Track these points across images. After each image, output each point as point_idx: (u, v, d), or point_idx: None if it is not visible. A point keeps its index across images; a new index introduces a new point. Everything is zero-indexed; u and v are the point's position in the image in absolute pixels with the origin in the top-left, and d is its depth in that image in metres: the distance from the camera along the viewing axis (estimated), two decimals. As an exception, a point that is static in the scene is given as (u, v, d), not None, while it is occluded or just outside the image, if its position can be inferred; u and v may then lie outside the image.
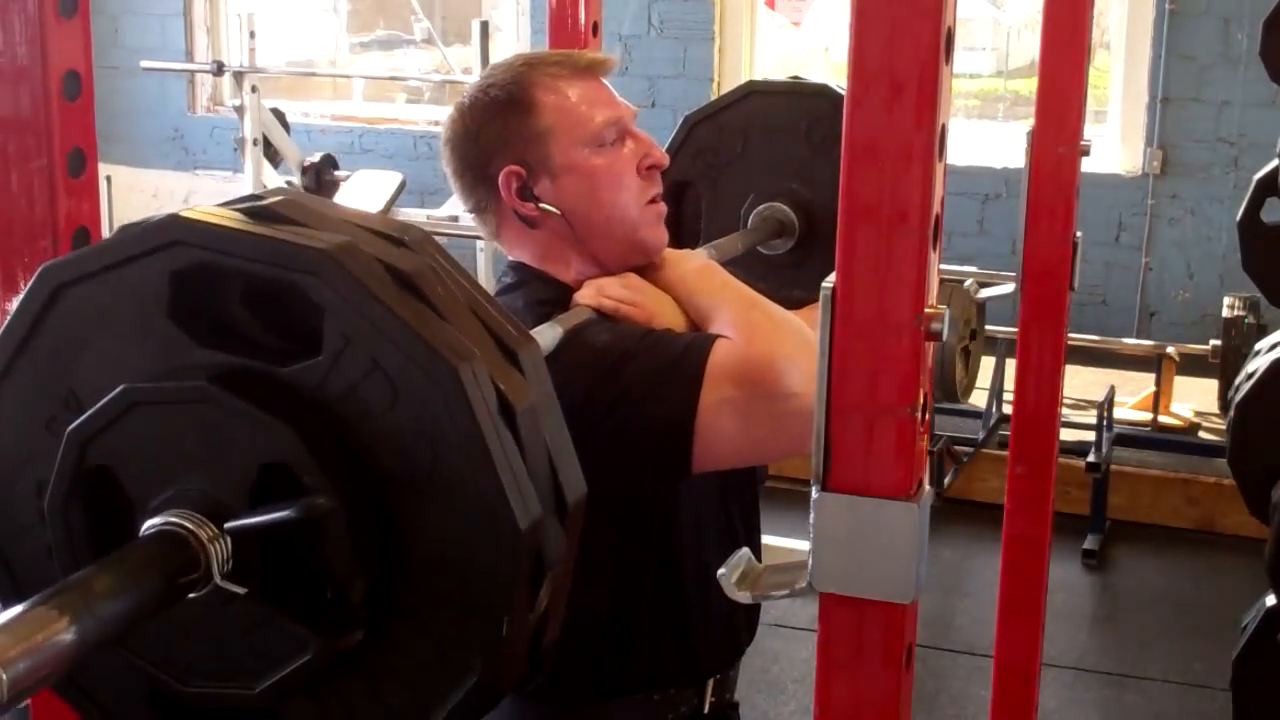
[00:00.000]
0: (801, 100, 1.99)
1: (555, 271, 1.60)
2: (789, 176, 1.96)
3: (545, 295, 1.57)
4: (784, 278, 1.92)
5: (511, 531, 0.85)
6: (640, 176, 1.59)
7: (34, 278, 0.92)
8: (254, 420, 0.85)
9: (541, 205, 1.56)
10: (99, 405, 0.88)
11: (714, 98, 2.57)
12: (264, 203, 0.91)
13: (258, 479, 0.85)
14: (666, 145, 1.90)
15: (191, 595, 0.84)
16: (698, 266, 1.64)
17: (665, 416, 1.43)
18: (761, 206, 1.96)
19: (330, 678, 0.89)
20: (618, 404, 1.43)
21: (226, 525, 0.85)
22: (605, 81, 1.62)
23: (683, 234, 1.93)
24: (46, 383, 0.92)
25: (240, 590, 0.85)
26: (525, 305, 1.55)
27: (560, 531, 0.91)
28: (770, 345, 1.46)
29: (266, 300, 0.89)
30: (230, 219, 0.89)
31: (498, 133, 1.56)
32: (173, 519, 0.84)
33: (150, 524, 0.85)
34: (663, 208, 1.63)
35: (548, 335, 1.38)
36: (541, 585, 0.89)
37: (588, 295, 1.54)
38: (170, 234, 0.88)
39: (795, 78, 2.09)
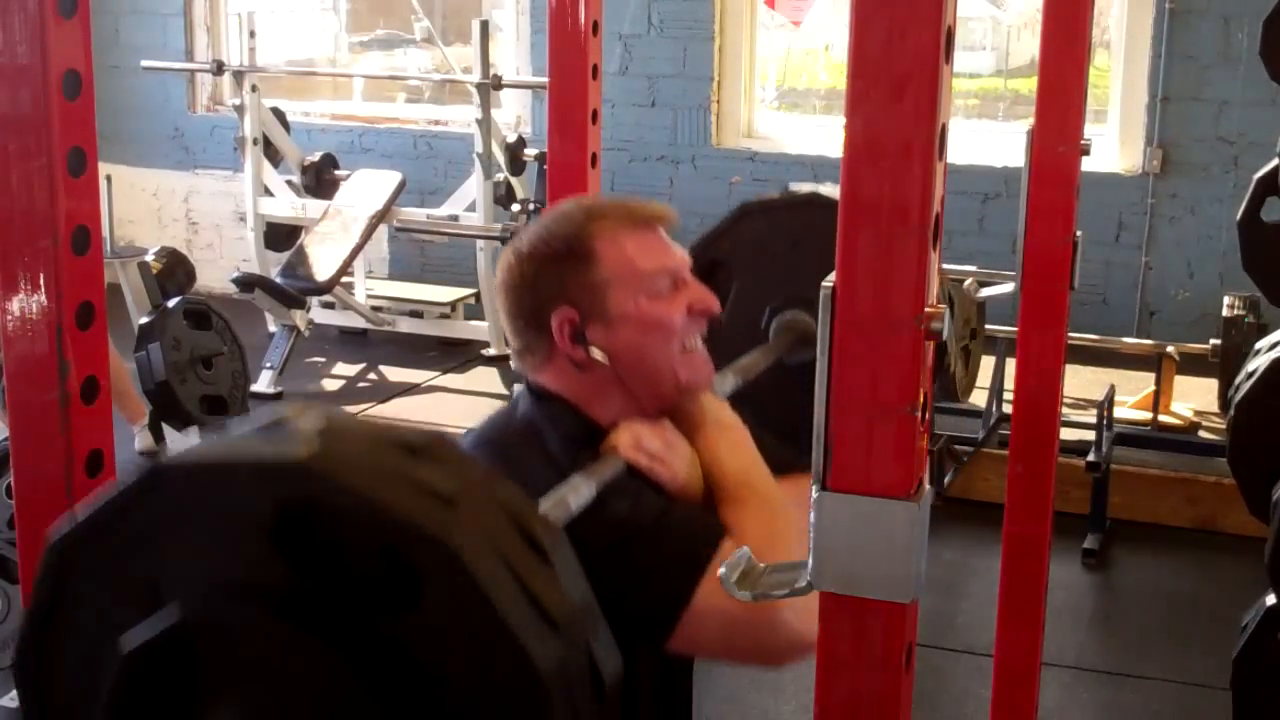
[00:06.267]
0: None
1: (592, 411, 1.65)
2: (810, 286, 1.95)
3: (577, 434, 1.62)
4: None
5: None
6: (689, 318, 1.63)
7: (144, 472, 0.94)
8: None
9: (593, 351, 1.61)
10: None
11: (713, 96, 2.57)
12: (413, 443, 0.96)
13: None
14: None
15: None
16: (731, 441, 1.67)
17: (659, 595, 1.50)
18: (786, 313, 1.94)
19: None
20: (620, 574, 1.47)
21: None
22: (663, 232, 1.67)
23: None
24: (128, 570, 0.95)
25: None
26: (559, 441, 1.61)
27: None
28: None
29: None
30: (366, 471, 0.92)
31: (556, 281, 1.61)
32: None
33: None
34: (703, 353, 1.67)
35: (582, 491, 1.42)
36: None
37: (624, 443, 1.59)
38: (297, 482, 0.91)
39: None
